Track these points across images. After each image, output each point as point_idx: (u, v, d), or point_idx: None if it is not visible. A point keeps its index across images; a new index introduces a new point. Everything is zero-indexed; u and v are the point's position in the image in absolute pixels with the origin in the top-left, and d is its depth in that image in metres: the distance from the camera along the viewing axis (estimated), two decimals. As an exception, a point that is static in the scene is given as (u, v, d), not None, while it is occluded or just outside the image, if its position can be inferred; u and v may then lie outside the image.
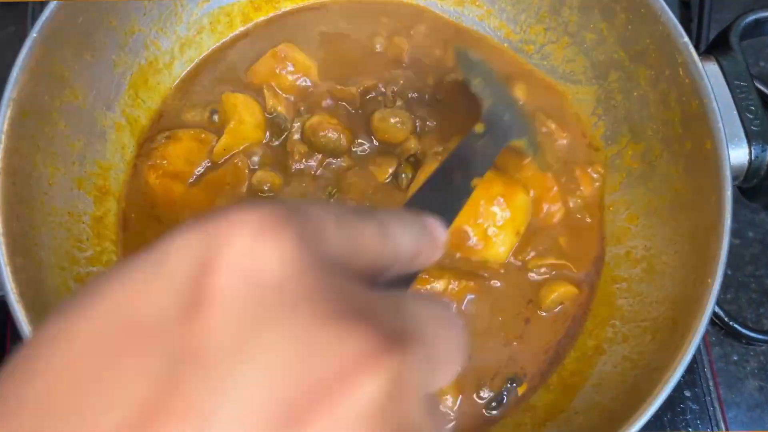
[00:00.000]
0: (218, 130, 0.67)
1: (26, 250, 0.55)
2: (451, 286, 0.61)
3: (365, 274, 0.27)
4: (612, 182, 0.68)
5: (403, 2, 0.75)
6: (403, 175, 0.65)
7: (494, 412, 0.61)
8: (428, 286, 0.61)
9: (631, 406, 0.53)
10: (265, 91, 0.67)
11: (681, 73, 0.60)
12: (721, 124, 0.58)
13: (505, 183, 0.62)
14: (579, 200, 0.66)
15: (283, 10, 0.74)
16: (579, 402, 0.59)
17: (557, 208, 0.65)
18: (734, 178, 0.59)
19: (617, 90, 0.68)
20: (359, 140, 0.67)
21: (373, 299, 0.25)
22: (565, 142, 0.67)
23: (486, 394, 0.61)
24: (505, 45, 0.74)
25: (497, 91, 0.62)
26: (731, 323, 0.71)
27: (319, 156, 0.66)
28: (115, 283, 0.23)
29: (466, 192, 0.48)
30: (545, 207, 0.64)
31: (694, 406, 0.69)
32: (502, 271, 0.63)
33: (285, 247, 0.23)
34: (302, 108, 0.68)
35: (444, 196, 0.45)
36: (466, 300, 0.62)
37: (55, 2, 0.57)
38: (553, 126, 0.66)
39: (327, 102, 0.67)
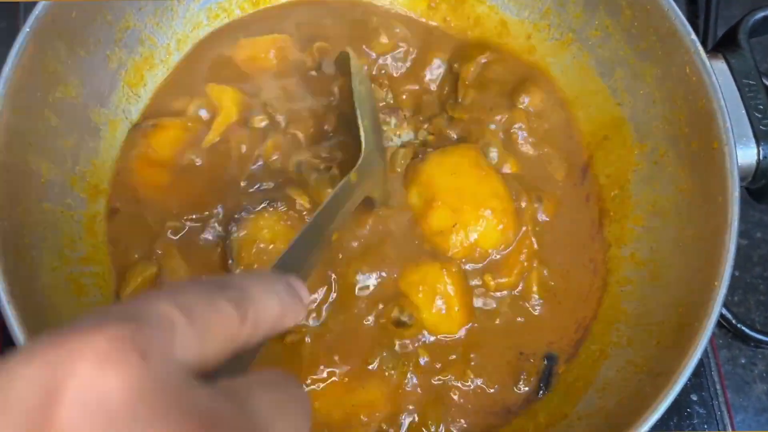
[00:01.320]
0: (205, 121, 0.66)
1: (18, 250, 0.54)
2: None
3: (223, 357, 0.28)
4: (616, 182, 0.67)
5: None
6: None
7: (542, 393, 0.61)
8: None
9: (635, 411, 0.52)
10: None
11: (688, 70, 0.59)
12: (729, 124, 0.57)
13: None
14: None
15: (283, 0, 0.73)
16: (582, 407, 0.58)
17: None
18: (742, 178, 0.58)
19: (622, 88, 0.67)
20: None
21: (217, 401, 0.25)
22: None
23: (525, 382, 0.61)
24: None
25: (377, 138, 0.59)
26: (739, 325, 0.71)
27: None
28: None
29: (326, 244, 0.47)
30: None
31: (701, 410, 0.68)
32: None
33: (129, 372, 0.23)
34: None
35: (313, 252, 0.44)
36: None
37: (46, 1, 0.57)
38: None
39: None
